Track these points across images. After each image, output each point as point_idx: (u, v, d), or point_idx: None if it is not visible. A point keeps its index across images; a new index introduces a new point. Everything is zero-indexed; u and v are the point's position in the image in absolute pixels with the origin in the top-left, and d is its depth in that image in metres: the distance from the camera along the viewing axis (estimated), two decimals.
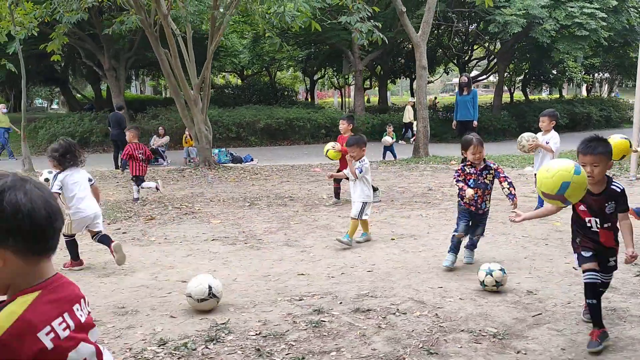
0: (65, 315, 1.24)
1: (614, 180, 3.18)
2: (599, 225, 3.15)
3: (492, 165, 4.62)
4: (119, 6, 13.25)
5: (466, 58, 27.98)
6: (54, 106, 46.75)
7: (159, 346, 3.25)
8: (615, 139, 4.77)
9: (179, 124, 16.84)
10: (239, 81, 32.29)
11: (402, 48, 26.25)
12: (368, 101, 36.43)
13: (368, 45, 15.10)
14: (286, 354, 3.11)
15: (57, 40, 11.27)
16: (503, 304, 3.83)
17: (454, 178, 4.67)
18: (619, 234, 3.22)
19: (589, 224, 3.18)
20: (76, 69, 27.23)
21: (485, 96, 33.42)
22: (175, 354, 3.15)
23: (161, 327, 3.54)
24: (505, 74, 25.23)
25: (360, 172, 5.52)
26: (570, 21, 18.03)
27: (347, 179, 5.77)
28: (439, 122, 21.38)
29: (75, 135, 17.97)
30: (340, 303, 3.90)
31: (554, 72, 27.72)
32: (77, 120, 18.98)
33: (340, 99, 41.18)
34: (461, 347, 3.17)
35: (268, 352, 3.13)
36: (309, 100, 34.85)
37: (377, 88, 34.05)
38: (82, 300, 1.33)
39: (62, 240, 4.74)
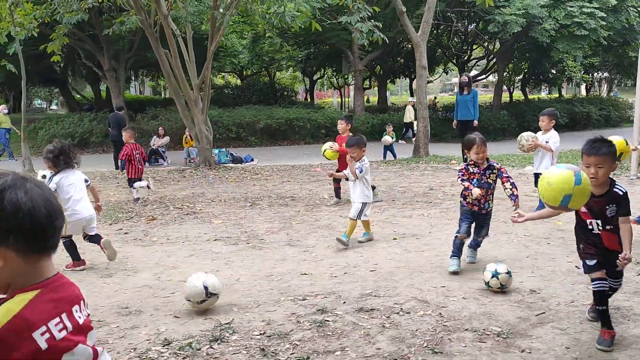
0: (63, 316, 1.24)
1: (617, 183, 3.13)
2: (600, 228, 3.12)
3: (495, 165, 4.61)
4: (118, 7, 13.26)
5: (465, 58, 27.98)
6: (53, 107, 46.70)
7: (163, 346, 3.26)
8: (613, 139, 4.79)
9: (179, 125, 16.84)
10: (239, 81, 32.27)
11: (401, 48, 26.25)
12: (368, 101, 36.42)
13: (368, 45, 15.10)
14: (291, 354, 3.11)
15: (58, 41, 11.26)
16: (506, 303, 3.83)
17: (459, 177, 4.63)
18: None
19: (590, 226, 3.16)
20: (76, 70, 27.20)
21: (484, 96, 33.37)
22: (180, 354, 3.15)
23: (165, 327, 3.54)
24: (504, 74, 25.24)
25: (360, 172, 5.52)
26: (570, 21, 18.04)
27: (347, 179, 5.77)
28: (438, 121, 21.39)
29: (75, 135, 17.98)
30: (344, 303, 3.90)
31: (553, 71, 27.73)
32: (77, 120, 18.97)
33: (339, 99, 41.19)
34: (465, 346, 3.17)
35: (273, 352, 3.13)
36: (309, 100, 34.86)
37: (376, 88, 34.06)
38: (81, 301, 1.32)
39: (62, 242, 4.75)
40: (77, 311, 1.28)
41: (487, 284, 4.03)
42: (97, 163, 13.72)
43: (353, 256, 5.14)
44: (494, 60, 25.68)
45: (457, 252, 4.56)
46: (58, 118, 20.61)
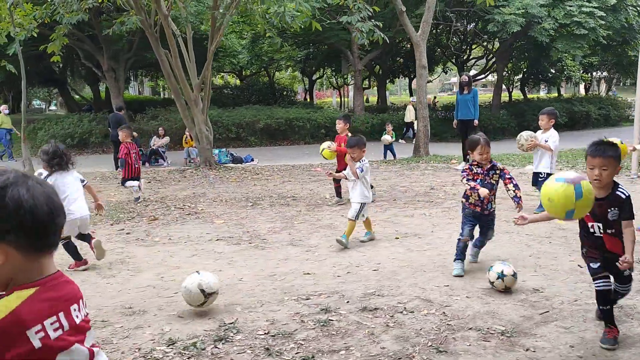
0: (60, 315, 1.22)
1: (620, 186, 3.10)
2: (601, 231, 3.09)
3: (498, 165, 4.59)
4: (118, 7, 13.25)
5: (464, 57, 28.00)
6: (52, 107, 46.70)
7: (168, 346, 3.26)
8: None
9: (179, 125, 16.83)
10: (238, 81, 32.26)
11: (400, 48, 26.26)
12: (367, 101, 36.42)
13: (368, 44, 15.10)
14: (296, 353, 3.12)
15: (58, 42, 11.24)
16: (510, 301, 3.84)
17: (464, 177, 4.57)
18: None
19: (592, 229, 3.14)
20: (75, 70, 27.18)
21: (482, 95, 33.38)
22: (185, 353, 3.15)
23: (169, 327, 3.54)
24: (503, 73, 25.25)
25: (361, 172, 5.52)
26: (569, 20, 18.05)
27: (346, 179, 5.76)
28: (438, 121, 21.39)
29: (75, 136, 17.96)
30: (347, 302, 3.90)
31: (553, 70, 27.76)
32: (77, 121, 18.94)
33: (339, 99, 41.19)
34: (470, 345, 3.18)
35: (277, 352, 3.14)
36: (308, 100, 34.86)
37: (375, 88, 34.07)
38: (80, 300, 1.31)
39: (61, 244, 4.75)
40: (75, 310, 1.27)
41: (491, 283, 4.03)
42: (96, 164, 13.72)
43: (356, 256, 5.14)
44: (493, 59, 25.70)
45: (460, 256, 4.51)
46: (57, 118, 20.58)
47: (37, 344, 1.16)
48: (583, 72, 31.89)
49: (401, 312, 3.69)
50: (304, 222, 6.65)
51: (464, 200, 4.64)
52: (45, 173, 5.04)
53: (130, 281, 4.57)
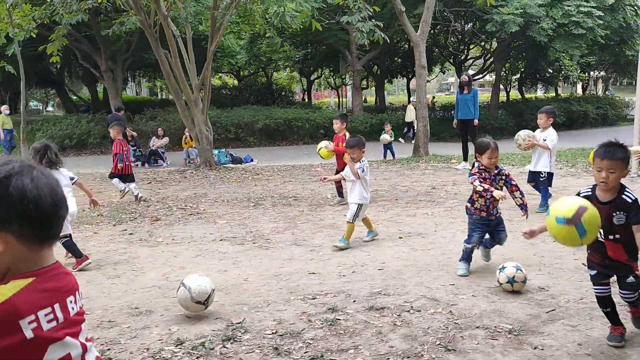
0: (56, 306, 1.22)
1: (627, 189, 2.98)
2: (603, 237, 2.99)
3: (504, 171, 4.54)
4: (116, 7, 13.22)
5: (462, 57, 28.04)
6: (49, 108, 46.59)
7: (176, 346, 3.26)
8: None
9: (177, 125, 16.81)
10: (236, 82, 32.24)
11: (399, 48, 26.29)
12: (365, 101, 36.45)
13: (368, 44, 15.10)
14: (304, 352, 3.12)
15: (57, 42, 11.22)
16: (516, 300, 3.85)
17: (475, 180, 4.39)
18: None
19: None
20: (72, 71, 27.12)
21: (481, 95, 33.40)
22: (193, 353, 3.15)
23: (177, 327, 3.54)
24: (501, 73, 25.30)
25: (362, 172, 5.51)
26: (567, 20, 18.11)
27: (344, 180, 5.74)
28: (437, 121, 21.44)
29: (73, 137, 17.93)
30: (354, 301, 3.91)
31: (550, 70, 27.82)
32: (75, 122, 18.90)
33: (337, 99, 41.20)
34: (478, 343, 3.18)
35: (286, 351, 3.14)
36: (306, 100, 34.86)
37: (373, 88, 34.08)
38: (77, 292, 1.30)
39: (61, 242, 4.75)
40: (71, 302, 1.26)
41: (500, 284, 4.02)
42: (95, 164, 13.69)
43: (360, 255, 5.15)
44: (491, 59, 25.75)
45: (466, 258, 4.47)
46: (56, 119, 20.54)
47: (29, 334, 1.15)
48: (580, 72, 31.96)
49: (408, 311, 3.69)
50: (306, 222, 6.65)
51: (469, 204, 4.54)
52: None
53: (135, 281, 4.57)
